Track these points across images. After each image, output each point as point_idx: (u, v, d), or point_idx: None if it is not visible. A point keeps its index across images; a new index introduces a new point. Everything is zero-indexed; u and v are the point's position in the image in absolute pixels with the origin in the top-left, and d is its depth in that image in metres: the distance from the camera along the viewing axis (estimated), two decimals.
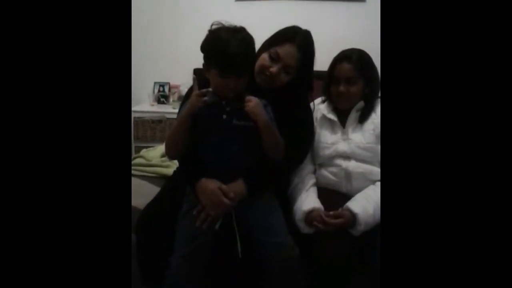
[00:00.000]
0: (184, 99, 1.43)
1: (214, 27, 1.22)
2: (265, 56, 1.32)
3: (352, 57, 1.46)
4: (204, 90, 1.18)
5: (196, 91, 1.16)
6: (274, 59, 1.31)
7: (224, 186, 1.23)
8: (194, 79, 1.16)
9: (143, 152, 2.26)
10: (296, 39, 1.32)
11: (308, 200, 1.40)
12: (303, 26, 1.39)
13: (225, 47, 1.14)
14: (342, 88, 1.46)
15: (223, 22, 1.22)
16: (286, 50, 1.31)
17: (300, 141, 1.41)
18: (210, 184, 1.23)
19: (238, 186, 1.25)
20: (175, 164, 1.81)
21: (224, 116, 1.22)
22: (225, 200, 1.21)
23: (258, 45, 1.32)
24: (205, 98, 1.16)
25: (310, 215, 1.35)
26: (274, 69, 1.30)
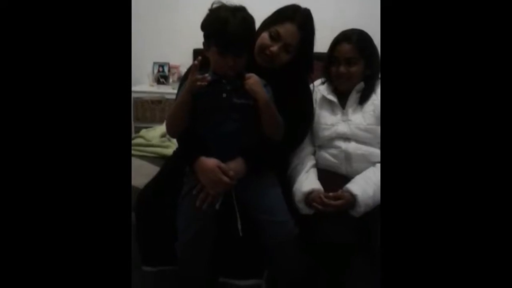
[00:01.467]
0: (182, 79, 1.42)
1: (214, 6, 1.22)
2: (265, 35, 1.31)
3: (352, 37, 1.45)
4: (203, 75, 1.17)
5: (195, 74, 1.15)
6: (275, 38, 1.30)
7: (223, 165, 1.23)
8: (198, 60, 1.15)
9: (143, 132, 2.26)
10: (296, 18, 1.31)
11: (307, 181, 1.40)
12: (304, 5, 1.37)
13: (224, 25, 1.15)
14: (342, 68, 1.44)
15: (224, 1, 1.22)
16: (286, 29, 1.30)
17: (300, 121, 1.41)
18: (209, 163, 1.23)
19: (237, 164, 1.25)
20: (174, 144, 1.81)
21: (224, 95, 1.22)
22: (224, 178, 1.21)
23: (258, 25, 1.31)
24: (207, 75, 1.16)
25: (309, 196, 1.35)
26: (274, 48, 1.29)
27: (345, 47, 1.44)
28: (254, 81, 1.18)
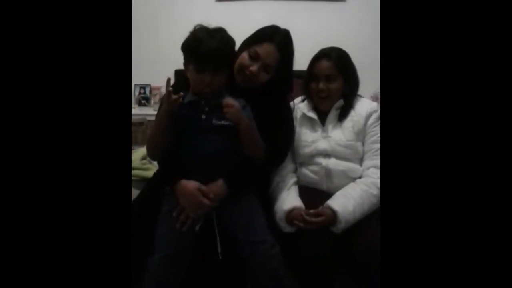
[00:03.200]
0: (162, 100, 1.41)
1: (196, 28, 1.25)
2: (244, 55, 1.33)
3: (331, 55, 1.47)
4: (180, 93, 1.18)
5: (168, 89, 1.17)
6: (254, 58, 1.32)
7: (203, 187, 1.22)
8: (168, 80, 1.17)
9: None
10: (275, 39, 1.33)
11: (289, 199, 1.39)
12: (283, 26, 1.40)
13: (200, 42, 1.18)
14: (321, 85, 1.46)
15: (205, 25, 1.25)
16: (265, 49, 1.31)
17: (281, 140, 1.41)
18: (189, 185, 1.22)
19: (218, 186, 1.24)
20: (155, 166, 1.78)
21: (203, 116, 1.22)
22: (205, 200, 1.20)
23: (239, 46, 1.33)
24: (181, 94, 1.17)
25: (291, 214, 1.34)
26: (253, 68, 1.30)
27: (324, 64, 1.47)
28: (235, 110, 1.18)
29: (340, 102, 1.50)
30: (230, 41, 1.25)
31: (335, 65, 1.46)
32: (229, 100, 1.17)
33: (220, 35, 1.21)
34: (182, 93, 1.17)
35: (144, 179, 1.86)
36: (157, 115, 1.32)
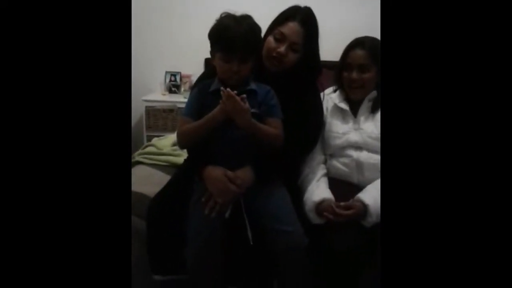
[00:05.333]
0: (193, 87, 1.43)
1: (222, 15, 1.25)
2: (270, 39, 1.34)
3: (365, 44, 1.44)
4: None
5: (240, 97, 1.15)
6: (279, 39, 1.32)
7: (230, 173, 1.23)
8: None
9: (155, 140, 2.27)
10: (297, 16, 1.33)
11: (318, 191, 1.38)
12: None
13: (228, 30, 1.18)
14: (355, 75, 1.44)
15: (231, 12, 1.25)
16: (290, 28, 1.32)
17: (309, 128, 1.41)
18: (216, 171, 1.24)
19: (245, 172, 1.24)
20: (185, 152, 1.81)
21: None
22: (232, 186, 1.21)
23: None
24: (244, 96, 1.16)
25: (320, 206, 1.34)
26: (281, 49, 1.31)
27: (358, 53, 1.44)
28: (232, 102, 1.15)
29: (373, 94, 1.47)
30: (257, 28, 1.25)
31: (369, 54, 1.42)
32: (228, 91, 1.14)
33: (247, 22, 1.22)
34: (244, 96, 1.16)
35: (174, 165, 1.90)
36: (187, 103, 1.33)
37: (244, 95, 1.16)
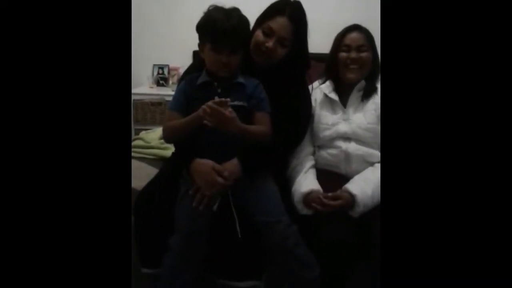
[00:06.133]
0: (180, 80, 1.42)
1: (210, 8, 1.25)
2: (258, 32, 1.32)
3: (362, 28, 1.49)
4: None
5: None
6: (268, 34, 1.31)
7: (217, 165, 1.23)
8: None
9: (142, 134, 2.25)
10: (287, 10, 1.31)
11: (306, 182, 1.39)
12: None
13: (217, 21, 1.18)
14: (353, 54, 1.45)
15: (219, 5, 1.25)
16: (278, 23, 1.30)
17: (297, 121, 1.40)
18: (203, 164, 1.23)
19: (232, 165, 1.24)
20: (174, 146, 1.80)
21: (216, 98, 1.21)
22: (219, 179, 1.21)
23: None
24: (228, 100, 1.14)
25: (308, 197, 1.34)
26: (269, 43, 1.30)
27: (357, 35, 1.48)
28: (213, 110, 1.13)
29: (362, 83, 1.47)
30: (244, 20, 1.25)
31: (367, 37, 1.47)
32: (211, 105, 1.12)
33: (236, 14, 1.22)
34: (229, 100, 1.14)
35: (162, 158, 1.89)
36: (175, 96, 1.32)
37: (229, 101, 1.14)
